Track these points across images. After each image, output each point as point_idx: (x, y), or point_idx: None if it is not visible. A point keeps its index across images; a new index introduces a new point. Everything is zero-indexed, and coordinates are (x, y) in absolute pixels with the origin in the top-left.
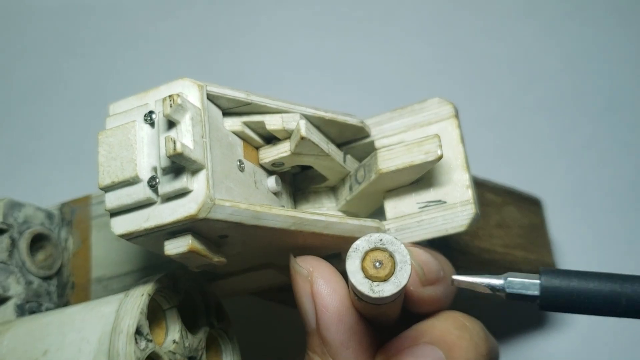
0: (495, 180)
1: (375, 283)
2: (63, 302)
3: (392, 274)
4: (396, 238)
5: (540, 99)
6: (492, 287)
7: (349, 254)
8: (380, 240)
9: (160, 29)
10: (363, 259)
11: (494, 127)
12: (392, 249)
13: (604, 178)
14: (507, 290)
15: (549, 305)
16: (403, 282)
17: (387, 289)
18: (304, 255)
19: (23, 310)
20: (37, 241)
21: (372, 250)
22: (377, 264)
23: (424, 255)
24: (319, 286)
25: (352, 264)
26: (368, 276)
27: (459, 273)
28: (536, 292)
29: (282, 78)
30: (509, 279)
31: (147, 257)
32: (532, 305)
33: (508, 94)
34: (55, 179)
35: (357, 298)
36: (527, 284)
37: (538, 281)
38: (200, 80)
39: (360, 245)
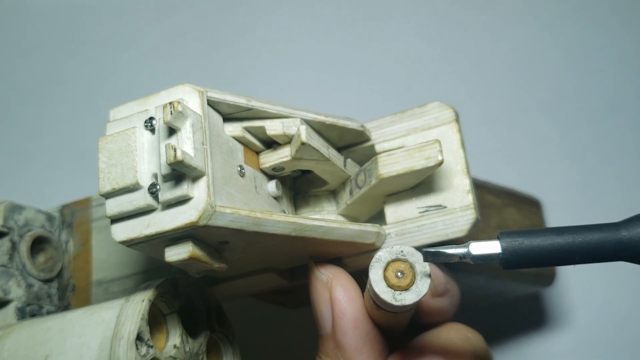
0: (496, 182)
1: (397, 292)
2: (64, 304)
3: (413, 283)
4: (416, 249)
5: (540, 100)
6: (459, 255)
7: (371, 264)
8: (402, 251)
9: (161, 29)
10: (385, 269)
11: (495, 127)
12: (412, 260)
13: (604, 179)
14: (473, 253)
15: (511, 263)
16: (424, 291)
17: (408, 298)
18: (323, 263)
19: (24, 313)
20: (38, 244)
21: (393, 260)
22: (399, 273)
23: (434, 267)
24: (337, 293)
25: (375, 274)
26: (390, 285)
27: (429, 246)
28: (498, 250)
29: (283, 79)
30: (472, 244)
31: (148, 259)
32: (496, 265)
33: (509, 95)
34: (56, 180)
35: (376, 306)
36: (488, 246)
37: (498, 242)
38: (200, 80)
39: (382, 256)
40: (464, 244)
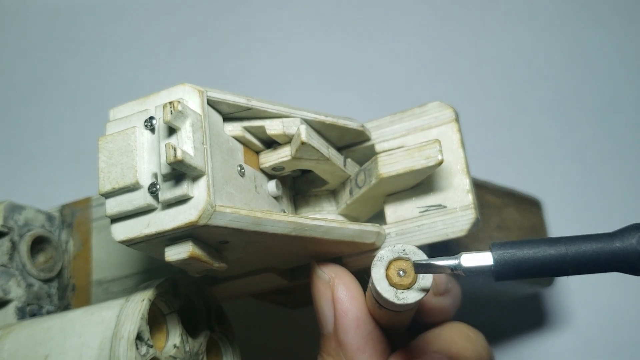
0: (495, 182)
1: (399, 291)
2: (64, 304)
3: (415, 282)
4: (418, 248)
5: (540, 100)
6: (451, 267)
7: (373, 262)
8: (403, 250)
9: (161, 29)
10: (387, 268)
11: (494, 127)
12: (414, 259)
13: (604, 179)
14: (464, 265)
15: (503, 275)
16: (426, 290)
17: (411, 296)
18: (325, 262)
19: (24, 313)
20: (38, 244)
21: (395, 259)
22: (401, 272)
23: None
24: (339, 292)
25: (377, 272)
26: (393, 284)
27: (419, 259)
28: (490, 262)
29: (283, 79)
30: (463, 255)
31: (149, 259)
32: (489, 277)
33: (509, 95)
34: (56, 180)
35: (379, 305)
36: (480, 258)
37: (490, 253)
38: (200, 80)
39: (384, 255)
40: (455, 256)
